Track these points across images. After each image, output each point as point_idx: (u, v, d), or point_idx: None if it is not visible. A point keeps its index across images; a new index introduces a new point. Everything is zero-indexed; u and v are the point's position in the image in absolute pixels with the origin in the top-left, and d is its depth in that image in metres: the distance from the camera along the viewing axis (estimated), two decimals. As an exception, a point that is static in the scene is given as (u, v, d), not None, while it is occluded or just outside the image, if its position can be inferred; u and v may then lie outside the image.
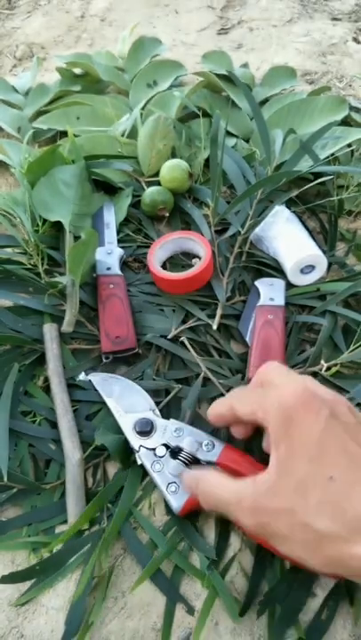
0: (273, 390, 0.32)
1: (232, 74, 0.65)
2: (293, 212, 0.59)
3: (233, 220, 0.59)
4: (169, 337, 0.51)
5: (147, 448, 0.42)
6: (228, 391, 0.47)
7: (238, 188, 0.62)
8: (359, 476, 0.28)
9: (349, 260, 0.60)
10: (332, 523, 0.27)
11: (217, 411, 0.38)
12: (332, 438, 0.29)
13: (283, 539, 0.29)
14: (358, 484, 0.27)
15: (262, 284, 0.54)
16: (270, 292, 0.52)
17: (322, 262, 0.53)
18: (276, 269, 0.56)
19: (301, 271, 0.53)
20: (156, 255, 0.55)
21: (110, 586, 0.39)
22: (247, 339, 0.50)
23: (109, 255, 0.56)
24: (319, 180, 0.58)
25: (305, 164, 0.60)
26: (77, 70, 0.77)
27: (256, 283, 0.54)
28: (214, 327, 0.51)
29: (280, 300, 0.52)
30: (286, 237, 0.54)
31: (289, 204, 0.60)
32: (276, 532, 0.29)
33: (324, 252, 0.55)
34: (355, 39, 0.98)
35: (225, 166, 0.62)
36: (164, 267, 0.57)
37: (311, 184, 0.58)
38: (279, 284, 0.54)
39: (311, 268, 0.53)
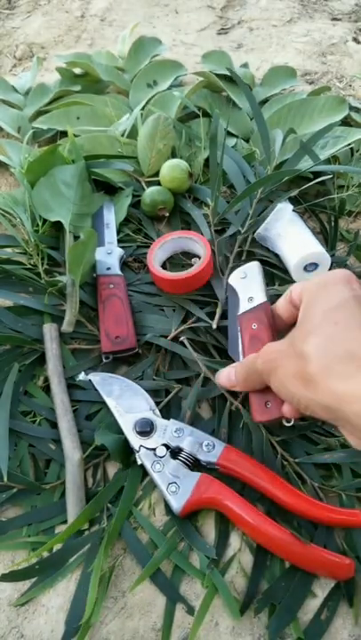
0: (321, 274, 0.36)
1: (232, 72, 0.65)
2: (293, 211, 0.58)
3: (233, 220, 0.59)
4: (169, 338, 0.50)
5: (147, 448, 0.42)
6: (229, 392, 0.47)
7: (238, 187, 0.62)
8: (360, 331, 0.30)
9: (350, 261, 0.60)
10: (319, 349, 0.30)
11: (277, 305, 0.40)
12: (357, 306, 0.31)
13: (279, 367, 0.34)
14: (355, 333, 0.30)
15: (236, 280, 0.46)
16: (246, 288, 0.44)
17: (325, 260, 0.53)
18: (277, 267, 0.56)
19: (305, 269, 0.53)
20: (156, 255, 0.55)
21: (110, 586, 0.39)
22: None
23: (109, 255, 0.56)
24: (319, 180, 0.58)
25: (305, 164, 0.60)
26: (77, 70, 0.77)
27: (229, 280, 0.46)
28: (214, 326, 0.51)
29: (260, 296, 0.43)
30: (290, 235, 0.54)
31: (290, 203, 0.60)
32: (276, 365, 0.34)
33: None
34: (355, 39, 0.98)
35: (225, 166, 0.62)
36: (163, 266, 0.57)
37: (311, 183, 0.58)
38: (252, 270, 0.45)
39: (315, 265, 0.53)
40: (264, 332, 0.40)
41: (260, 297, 0.42)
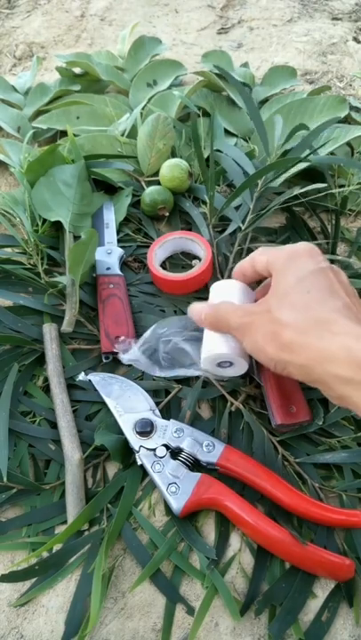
0: (288, 246, 0.39)
1: (224, 70, 0.64)
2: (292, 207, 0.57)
3: (233, 216, 0.58)
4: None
5: (147, 448, 0.42)
6: (229, 393, 0.47)
7: (238, 184, 0.61)
8: (330, 300, 0.34)
9: (352, 260, 0.59)
10: (295, 315, 0.33)
11: (241, 267, 0.43)
12: (324, 277, 0.35)
13: (254, 329, 0.36)
14: (329, 300, 0.33)
15: None
16: None
17: (241, 363, 0.43)
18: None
19: (219, 365, 0.44)
20: (156, 254, 0.55)
21: (110, 586, 0.39)
22: (255, 376, 0.46)
23: (109, 255, 0.56)
24: (319, 186, 0.57)
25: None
26: (77, 70, 0.77)
27: None
28: None
29: None
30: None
31: (290, 201, 0.60)
32: (251, 326, 0.37)
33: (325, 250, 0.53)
34: (355, 39, 0.97)
35: (224, 164, 0.62)
36: (163, 266, 0.57)
37: (312, 186, 0.57)
38: None
39: (229, 363, 0.44)
40: None
41: None
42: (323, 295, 0.34)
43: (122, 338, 0.49)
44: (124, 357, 0.48)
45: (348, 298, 0.34)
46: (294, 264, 0.36)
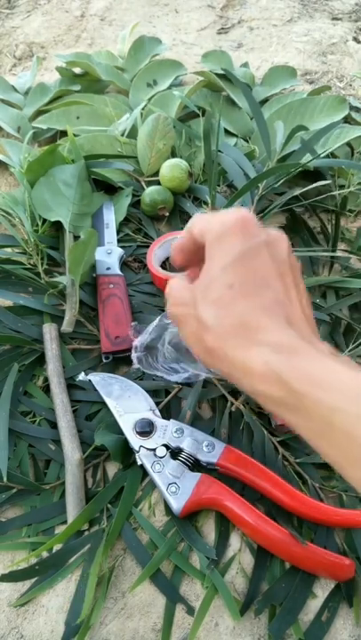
0: (219, 215, 0.32)
1: (227, 71, 0.65)
2: (291, 209, 0.58)
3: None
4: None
5: (147, 448, 0.42)
6: (229, 393, 0.47)
7: (239, 185, 0.61)
8: (256, 294, 0.28)
9: (352, 261, 0.59)
10: (217, 315, 0.29)
11: (179, 244, 0.35)
12: (254, 258, 0.29)
13: (183, 324, 0.32)
14: (257, 294, 0.28)
15: None
16: None
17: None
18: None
19: None
20: (156, 254, 0.55)
21: (110, 586, 0.39)
22: None
23: (109, 255, 0.56)
24: (320, 183, 0.57)
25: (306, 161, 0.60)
26: (77, 70, 0.77)
27: None
28: None
29: None
30: None
31: (290, 202, 0.60)
32: (181, 319, 0.32)
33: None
34: (355, 39, 0.97)
35: (225, 164, 0.62)
36: (163, 266, 0.57)
37: (313, 185, 0.57)
38: None
39: None
40: None
41: None
42: (248, 288, 0.28)
43: (134, 323, 0.49)
44: (137, 340, 0.47)
45: (283, 283, 0.29)
46: (220, 246, 0.30)
